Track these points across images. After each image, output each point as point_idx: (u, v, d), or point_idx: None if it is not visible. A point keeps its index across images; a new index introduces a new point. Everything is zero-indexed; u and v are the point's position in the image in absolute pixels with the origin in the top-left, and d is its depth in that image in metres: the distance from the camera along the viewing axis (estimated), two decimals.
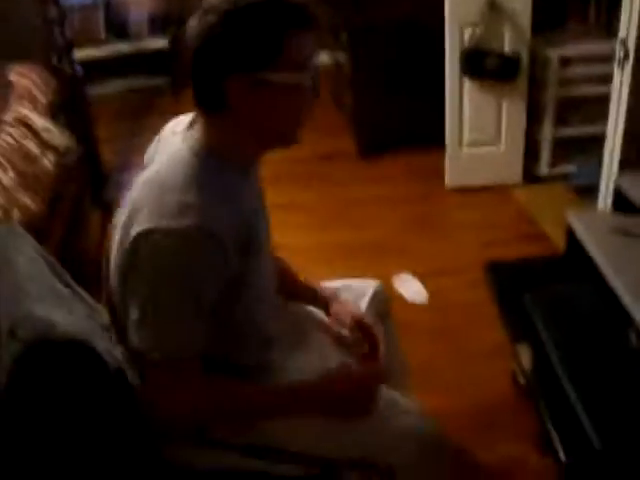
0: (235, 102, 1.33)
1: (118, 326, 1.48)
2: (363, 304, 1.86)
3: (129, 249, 1.32)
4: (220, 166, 1.38)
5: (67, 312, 1.43)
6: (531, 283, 2.39)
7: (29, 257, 1.51)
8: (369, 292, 1.89)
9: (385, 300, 1.96)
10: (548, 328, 2.02)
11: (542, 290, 2.20)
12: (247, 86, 1.31)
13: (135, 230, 1.30)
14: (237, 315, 1.44)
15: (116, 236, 1.40)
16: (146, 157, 1.55)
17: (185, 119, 1.48)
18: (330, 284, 1.89)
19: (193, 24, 1.31)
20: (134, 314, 1.32)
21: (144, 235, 1.29)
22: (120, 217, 1.39)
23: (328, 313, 1.80)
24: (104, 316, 1.61)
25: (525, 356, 2.33)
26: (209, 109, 1.37)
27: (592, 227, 2.47)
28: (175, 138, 1.43)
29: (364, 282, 1.94)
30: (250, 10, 1.29)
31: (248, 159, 1.46)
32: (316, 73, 1.38)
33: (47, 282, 1.43)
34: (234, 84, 1.30)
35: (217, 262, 1.32)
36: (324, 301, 1.81)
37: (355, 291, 1.89)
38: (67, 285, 1.65)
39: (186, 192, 1.30)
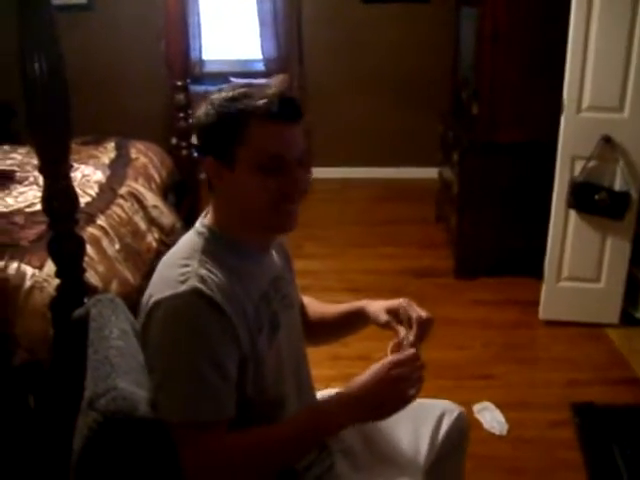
0: (213, 182, 1.47)
1: None
2: (444, 426, 1.78)
3: (143, 324, 1.41)
4: (223, 247, 1.46)
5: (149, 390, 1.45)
6: (621, 433, 2.27)
7: (123, 330, 1.54)
8: (453, 415, 1.81)
9: (465, 430, 1.87)
10: None
11: (633, 443, 2.08)
12: (216, 167, 1.44)
13: (146, 309, 1.39)
14: (249, 394, 1.43)
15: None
16: None
17: None
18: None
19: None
20: (152, 382, 1.38)
21: (152, 309, 1.37)
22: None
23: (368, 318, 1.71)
24: None
25: None
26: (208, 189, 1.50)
27: None
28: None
29: (447, 403, 1.86)
30: (224, 102, 1.41)
31: (249, 243, 1.50)
32: (290, 162, 1.41)
33: (135, 357, 1.46)
34: (208, 166, 1.45)
35: (223, 324, 1.35)
36: (359, 314, 1.74)
37: (434, 410, 1.82)
38: None
39: (187, 263, 1.40)
